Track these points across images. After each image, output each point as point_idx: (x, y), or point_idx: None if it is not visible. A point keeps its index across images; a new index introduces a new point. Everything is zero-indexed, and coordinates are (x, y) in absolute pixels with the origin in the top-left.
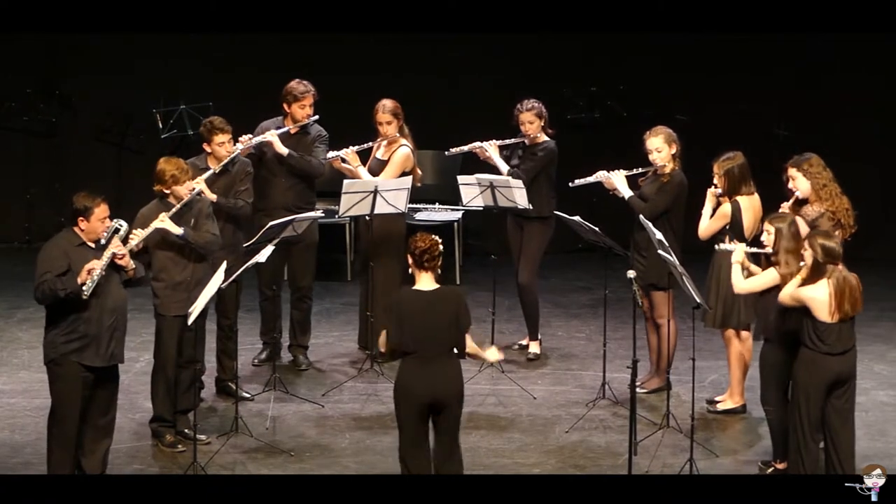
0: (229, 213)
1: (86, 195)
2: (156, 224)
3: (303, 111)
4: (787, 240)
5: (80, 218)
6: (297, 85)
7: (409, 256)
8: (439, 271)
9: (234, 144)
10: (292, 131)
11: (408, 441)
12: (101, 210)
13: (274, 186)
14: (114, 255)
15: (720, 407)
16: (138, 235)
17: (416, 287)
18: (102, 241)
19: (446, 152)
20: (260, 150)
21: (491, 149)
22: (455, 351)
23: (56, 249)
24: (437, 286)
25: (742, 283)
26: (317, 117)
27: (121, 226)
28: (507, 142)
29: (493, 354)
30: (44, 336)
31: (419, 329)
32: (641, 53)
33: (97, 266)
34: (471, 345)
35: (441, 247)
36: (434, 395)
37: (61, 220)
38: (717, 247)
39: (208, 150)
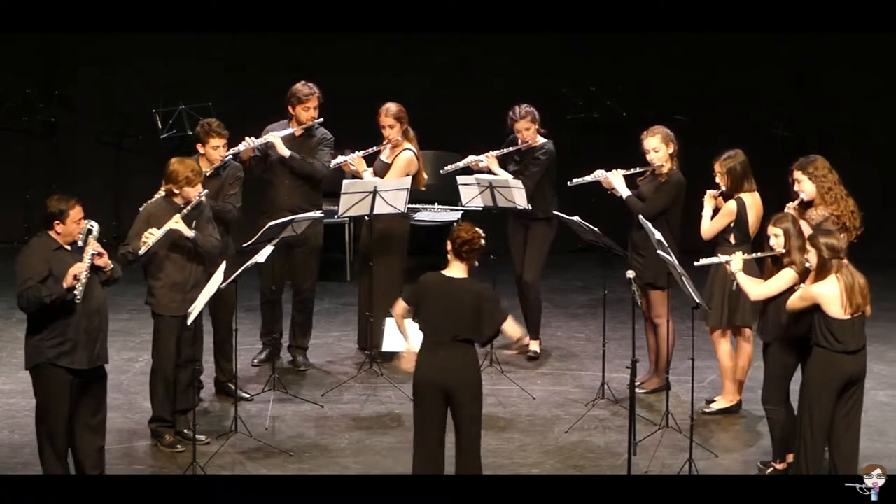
0: (219, 216)
1: (59, 198)
2: (171, 225)
3: (307, 113)
4: (796, 238)
5: (56, 221)
6: (301, 87)
7: (448, 243)
8: (476, 264)
9: (238, 145)
10: (297, 133)
11: (417, 429)
12: (76, 212)
13: (278, 189)
14: (93, 255)
15: (714, 407)
16: (154, 235)
17: (444, 272)
18: (79, 244)
19: (441, 171)
20: (264, 152)
21: (489, 161)
22: (475, 342)
23: (34, 256)
24: (466, 276)
25: (758, 290)
26: (321, 119)
27: (92, 226)
28: (504, 151)
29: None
30: (26, 341)
31: (436, 312)
32: (641, 53)
33: (82, 269)
34: (515, 331)
35: (483, 242)
36: (445, 381)
37: (26, 225)
38: (696, 263)
39: (202, 151)
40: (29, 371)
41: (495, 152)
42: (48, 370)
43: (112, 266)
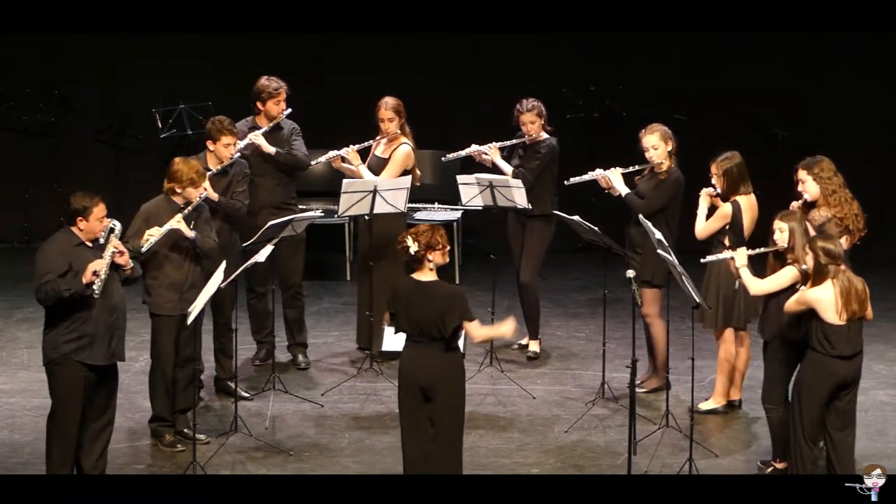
0: (227, 213)
1: (83, 195)
2: (172, 224)
3: (277, 107)
4: (802, 236)
5: (79, 218)
6: (268, 82)
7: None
8: (433, 265)
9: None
10: (267, 129)
11: (403, 426)
12: (100, 209)
13: (258, 187)
14: (114, 252)
15: (702, 407)
16: (154, 234)
17: (414, 276)
18: (101, 241)
19: (443, 158)
20: (242, 153)
21: (492, 152)
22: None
23: (55, 250)
24: (434, 279)
25: (759, 285)
26: (289, 111)
27: (115, 226)
28: (507, 143)
29: (508, 327)
30: (43, 336)
31: (412, 317)
32: (641, 53)
33: (102, 265)
34: (480, 333)
35: (411, 247)
36: (424, 379)
37: (26, 225)
38: (702, 260)
39: (211, 148)
40: (44, 367)
41: (499, 144)
42: (64, 365)
43: (132, 265)
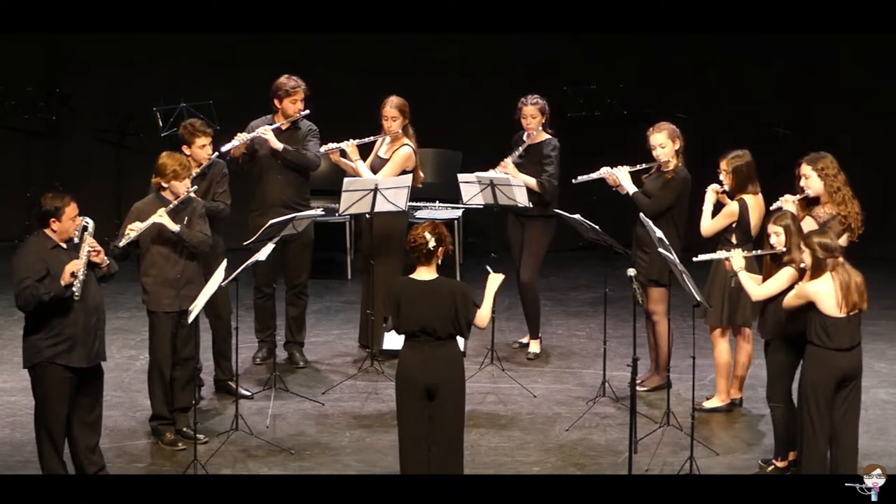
0: (210, 215)
1: (54, 196)
2: (154, 219)
3: (294, 106)
4: (796, 235)
5: (52, 219)
6: (287, 80)
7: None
8: (439, 262)
9: (231, 141)
10: (283, 127)
11: (404, 432)
12: (72, 209)
13: (268, 184)
14: (90, 252)
15: (706, 405)
16: (136, 229)
17: (413, 276)
18: (75, 241)
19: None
20: (252, 148)
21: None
22: (457, 337)
23: (31, 255)
24: (436, 276)
25: (758, 290)
26: (307, 112)
27: (88, 223)
28: (517, 154)
29: (495, 283)
30: (24, 340)
31: (415, 316)
32: (641, 52)
33: (79, 265)
34: (486, 314)
35: (427, 240)
36: (429, 378)
37: (27, 224)
38: (695, 258)
39: (187, 152)
40: (27, 370)
41: (510, 159)
42: (46, 369)
43: (108, 262)
